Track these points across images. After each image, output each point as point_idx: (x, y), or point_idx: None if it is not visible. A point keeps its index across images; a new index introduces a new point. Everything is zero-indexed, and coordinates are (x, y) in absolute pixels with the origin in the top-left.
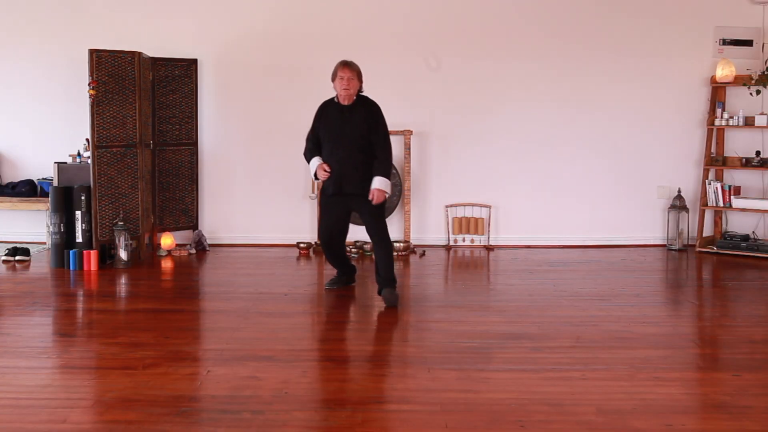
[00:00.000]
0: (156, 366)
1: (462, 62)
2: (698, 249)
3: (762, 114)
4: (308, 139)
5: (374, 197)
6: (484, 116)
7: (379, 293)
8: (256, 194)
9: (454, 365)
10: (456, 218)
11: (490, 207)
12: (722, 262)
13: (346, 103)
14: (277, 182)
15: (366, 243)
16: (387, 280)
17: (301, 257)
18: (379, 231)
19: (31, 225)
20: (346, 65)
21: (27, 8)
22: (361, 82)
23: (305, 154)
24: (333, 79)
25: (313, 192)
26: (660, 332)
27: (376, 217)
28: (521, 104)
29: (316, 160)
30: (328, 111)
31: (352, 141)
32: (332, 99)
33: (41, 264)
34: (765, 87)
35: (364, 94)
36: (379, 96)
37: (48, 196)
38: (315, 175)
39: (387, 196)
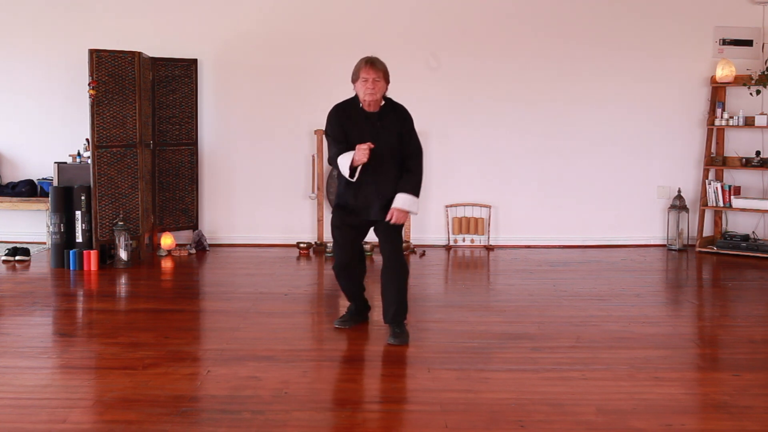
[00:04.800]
0: (156, 366)
1: (462, 62)
2: (698, 249)
3: (762, 114)
4: (335, 145)
5: (393, 217)
6: (484, 116)
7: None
8: (256, 194)
9: (454, 365)
10: (456, 218)
11: (490, 207)
12: (722, 262)
13: (372, 109)
14: (277, 182)
15: (366, 243)
16: (396, 313)
17: (301, 257)
18: (393, 253)
19: (31, 225)
20: (371, 64)
21: (27, 8)
22: (387, 83)
23: (332, 159)
24: (354, 80)
25: (313, 192)
26: (660, 332)
27: (392, 236)
28: (521, 104)
29: (348, 154)
30: (352, 117)
31: (388, 154)
32: (351, 102)
33: (41, 264)
34: (765, 87)
35: (388, 96)
36: None
37: (48, 196)
38: (351, 170)
39: (411, 214)
